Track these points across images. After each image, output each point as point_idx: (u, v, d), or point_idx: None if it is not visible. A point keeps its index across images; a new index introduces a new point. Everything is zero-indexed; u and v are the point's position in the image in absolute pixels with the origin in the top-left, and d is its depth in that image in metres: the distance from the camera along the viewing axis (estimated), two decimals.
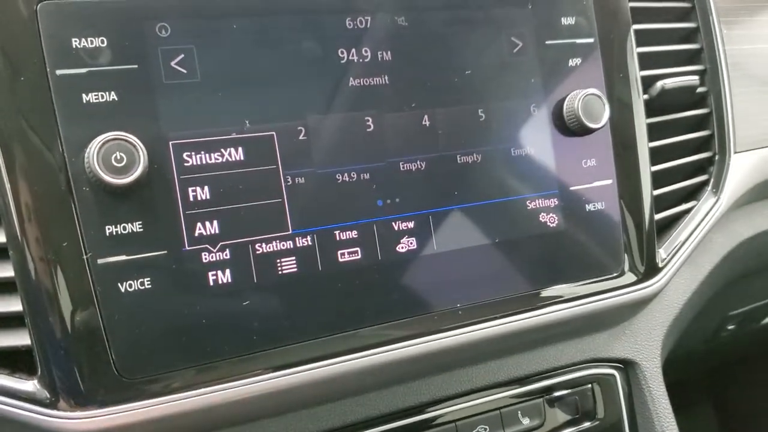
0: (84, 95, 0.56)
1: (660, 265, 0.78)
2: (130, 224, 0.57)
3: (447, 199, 0.69)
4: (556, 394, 0.79)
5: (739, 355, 1.85)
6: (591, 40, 0.75)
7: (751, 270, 1.01)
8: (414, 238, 0.67)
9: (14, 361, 0.57)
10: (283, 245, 0.62)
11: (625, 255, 0.75)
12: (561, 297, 0.72)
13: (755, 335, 1.34)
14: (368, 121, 0.66)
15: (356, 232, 0.65)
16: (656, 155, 0.80)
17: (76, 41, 0.56)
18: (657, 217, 0.79)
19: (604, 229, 0.75)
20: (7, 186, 0.55)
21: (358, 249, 0.65)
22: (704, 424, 2.25)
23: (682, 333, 0.97)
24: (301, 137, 0.63)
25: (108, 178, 0.54)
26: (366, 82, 0.66)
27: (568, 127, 0.72)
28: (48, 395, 0.56)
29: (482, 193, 0.70)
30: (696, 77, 0.83)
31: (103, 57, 0.57)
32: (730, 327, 1.18)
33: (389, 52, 0.67)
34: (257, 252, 0.61)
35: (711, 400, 2.23)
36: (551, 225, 0.73)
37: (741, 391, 2.10)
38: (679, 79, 0.81)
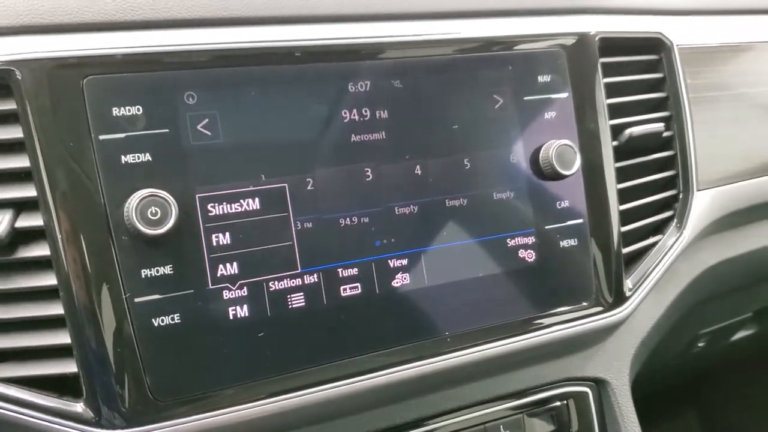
0: (123, 156, 0.65)
1: (627, 294, 0.87)
2: (162, 268, 0.66)
3: (437, 239, 0.78)
4: (535, 409, 0.88)
5: (717, 368, 1.94)
6: (565, 95, 0.85)
7: (714, 295, 1.10)
8: (407, 274, 0.77)
9: (63, 386, 0.66)
10: (293, 282, 0.71)
11: (595, 286, 0.85)
12: (538, 324, 0.81)
13: (733, 349, 1.43)
14: (367, 171, 0.75)
15: (357, 270, 0.74)
16: (625, 195, 0.89)
17: (116, 110, 0.65)
18: (625, 250, 0.89)
19: (576, 264, 0.84)
20: (59, 235, 0.64)
21: (358, 284, 0.74)
22: None
23: (652, 351, 1.06)
24: (309, 188, 0.73)
25: (145, 230, 0.63)
26: (365, 138, 0.75)
27: (544, 174, 0.82)
28: (93, 415, 0.65)
29: (468, 232, 0.79)
30: (661, 124, 0.92)
31: (139, 123, 0.66)
32: (701, 344, 1.27)
33: (386, 111, 0.76)
34: (270, 289, 0.71)
35: (695, 412, 2.31)
36: (529, 260, 0.82)
37: (724, 402, 2.19)
38: (645, 127, 0.90)
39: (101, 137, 0.65)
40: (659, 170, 0.95)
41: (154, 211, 0.64)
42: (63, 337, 0.65)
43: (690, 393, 2.23)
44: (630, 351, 0.93)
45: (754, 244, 1.07)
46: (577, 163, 0.82)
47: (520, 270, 0.82)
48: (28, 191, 0.64)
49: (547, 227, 0.83)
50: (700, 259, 1.01)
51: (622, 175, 0.90)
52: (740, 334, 1.35)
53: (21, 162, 0.64)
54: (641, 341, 0.94)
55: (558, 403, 0.90)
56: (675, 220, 0.95)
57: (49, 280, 0.65)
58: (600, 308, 0.85)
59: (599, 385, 0.92)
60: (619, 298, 0.87)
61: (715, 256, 1.03)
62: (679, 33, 0.97)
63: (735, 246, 1.05)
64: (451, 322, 0.78)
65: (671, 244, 0.93)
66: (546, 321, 0.82)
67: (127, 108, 0.66)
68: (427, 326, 0.77)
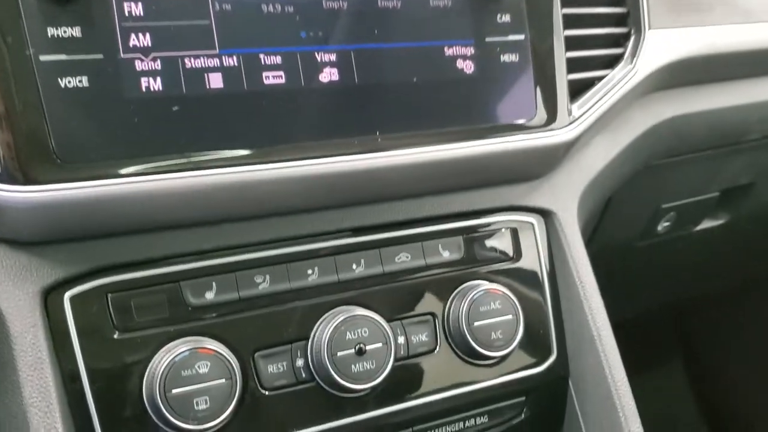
0: None
1: (571, 118, 0.84)
2: (70, 28, 0.63)
3: (369, 38, 0.75)
4: (475, 234, 0.85)
5: (698, 299, 1.91)
6: None
7: (672, 151, 1.07)
8: (336, 69, 0.74)
9: None
10: (211, 63, 0.69)
11: (537, 104, 0.82)
12: (475, 135, 0.79)
13: (703, 242, 1.38)
14: None
15: (280, 59, 0.72)
16: (572, 21, 0.87)
17: None
18: (572, 77, 0.86)
19: (517, 79, 0.81)
20: None
21: (282, 73, 0.72)
22: (676, 379, 2.31)
23: (615, 222, 1.04)
24: None
25: None
26: None
27: None
28: None
29: (402, 35, 0.77)
30: None
31: None
32: (666, 223, 1.23)
33: None
34: (186, 66, 0.68)
35: (681, 356, 2.28)
36: (467, 71, 0.79)
37: (708, 341, 2.16)
38: None
39: None
40: (610, 5, 0.93)
41: None
42: None
43: (680, 336, 2.20)
44: (579, 187, 0.90)
45: (712, 103, 1.04)
46: None
47: (458, 80, 0.79)
48: None
49: (487, 39, 0.80)
50: (656, 110, 0.98)
51: (571, 2, 0.87)
52: (708, 223, 1.31)
53: None
54: (591, 180, 0.91)
55: (501, 229, 0.86)
56: (626, 56, 0.92)
57: None
58: (542, 125, 0.82)
59: (545, 216, 0.89)
60: (563, 119, 0.84)
61: (671, 109, 1.00)
62: None
63: (692, 103, 1.02)
64: (382, 124, 0.75)
65: (621, 77, 0.90)
66: (484, 132, 0.79)
67: None
68: (357, 124, 0.74)
